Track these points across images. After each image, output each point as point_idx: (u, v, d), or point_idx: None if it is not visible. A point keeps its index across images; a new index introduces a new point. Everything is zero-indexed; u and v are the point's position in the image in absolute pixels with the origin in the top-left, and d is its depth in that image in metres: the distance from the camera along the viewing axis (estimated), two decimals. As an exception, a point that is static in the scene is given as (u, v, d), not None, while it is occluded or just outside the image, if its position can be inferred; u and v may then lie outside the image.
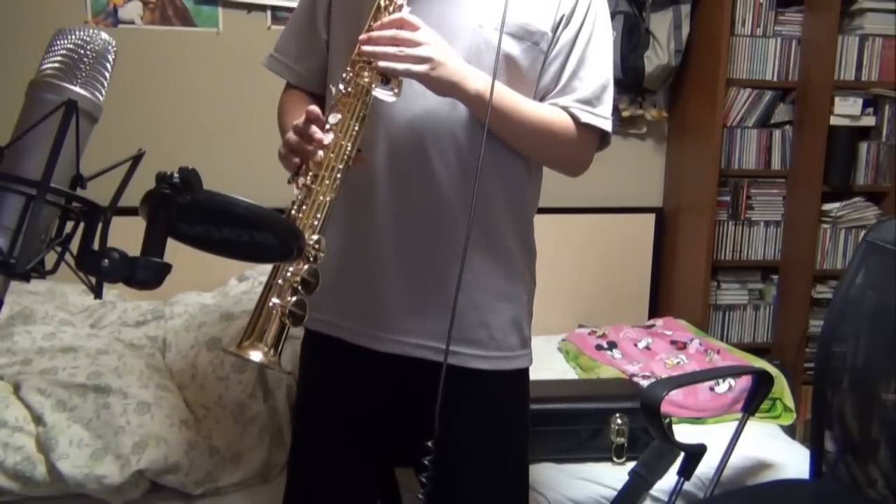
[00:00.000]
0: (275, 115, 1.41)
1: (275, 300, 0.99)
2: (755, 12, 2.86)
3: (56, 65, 0.71)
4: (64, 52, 0.72)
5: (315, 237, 1.04)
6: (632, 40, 2.82)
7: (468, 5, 1.24)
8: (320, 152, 1.08)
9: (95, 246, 0.71)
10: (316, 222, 1.05)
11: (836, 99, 2.80)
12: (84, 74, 0.72)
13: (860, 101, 2.83)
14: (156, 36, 2.60)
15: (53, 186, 0.67)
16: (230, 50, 2.64)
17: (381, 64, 1.10)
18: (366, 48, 1.11)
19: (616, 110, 2.92)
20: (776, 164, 2.96)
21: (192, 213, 0.79)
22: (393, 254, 1.27)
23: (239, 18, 2.65)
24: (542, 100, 1.29)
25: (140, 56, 2.57)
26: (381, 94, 1.11)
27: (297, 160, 1.11)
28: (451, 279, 1.17)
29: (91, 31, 0.73)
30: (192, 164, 0.76)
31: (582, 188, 2.90)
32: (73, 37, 0.73)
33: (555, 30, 1.26)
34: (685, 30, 2.84)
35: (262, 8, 2.64)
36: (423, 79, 1.13)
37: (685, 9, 2.83)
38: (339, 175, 1.08)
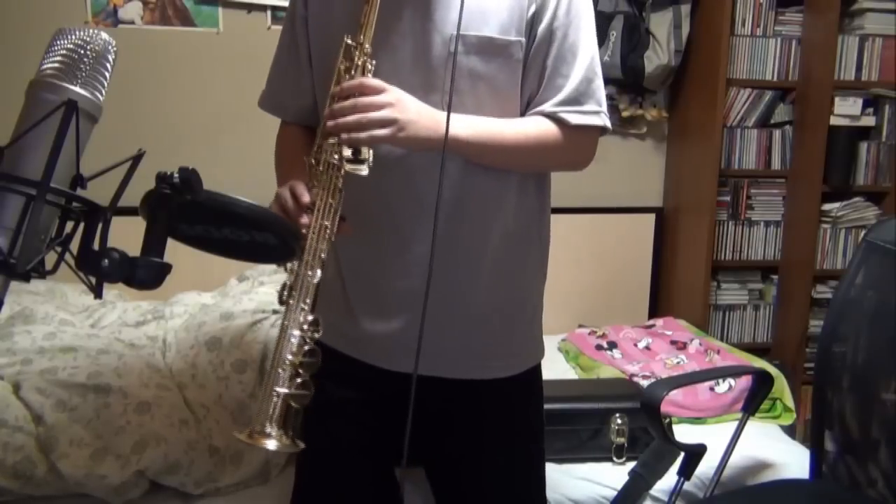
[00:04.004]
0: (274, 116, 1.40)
1: (278, 389, 1.01)
2: (755, 12, 2.85)
3: (56, 65, 0.71)
4: (64, 52, 0.72)
5: (310, 318, 1.03)
6: (632, 40, 2.82)
7: (436, 39, 1.18)
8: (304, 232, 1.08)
9: (95, 246, 0.71)
10: (305, 306, 1.04)
11: (836, 99, 2.80)
12: (84, 74, 0.72)
13: (860, 101, 2.83)
14: (156, 36, 2.60)
15: (53, 186, 0.67)
16: (230, 50, 2.64)
17: (344, 137, 1.07)
18: (329, 123, 1.08)
19: (616, 110, 2.93)
20: (776, 164, 2.95)
21: (192, 213, 0.79)
22: (401, 284, 1.26)
23: (239, 18, 2.65)
24: (529, 102, 1.25)
25: (140, 56, 2.57)
26: (352, 169, 1.09)
27: None
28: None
29: (91, 31, 0.73)
30: (192, 164, 0.76)
31: (582, 188, 2.90)
32: (74, 37, 0.73)
33: (528, 32, 1.20)
34: (685, 30, 2.84)
35: (262, 8, 2.64)
36: (391, 141, 1.10)
37: (685, 9, 2.83)
38: (322, 255, 1.07)
